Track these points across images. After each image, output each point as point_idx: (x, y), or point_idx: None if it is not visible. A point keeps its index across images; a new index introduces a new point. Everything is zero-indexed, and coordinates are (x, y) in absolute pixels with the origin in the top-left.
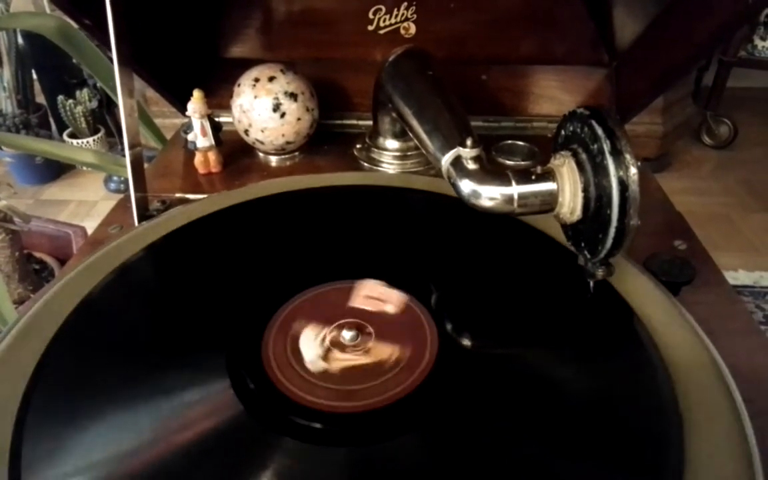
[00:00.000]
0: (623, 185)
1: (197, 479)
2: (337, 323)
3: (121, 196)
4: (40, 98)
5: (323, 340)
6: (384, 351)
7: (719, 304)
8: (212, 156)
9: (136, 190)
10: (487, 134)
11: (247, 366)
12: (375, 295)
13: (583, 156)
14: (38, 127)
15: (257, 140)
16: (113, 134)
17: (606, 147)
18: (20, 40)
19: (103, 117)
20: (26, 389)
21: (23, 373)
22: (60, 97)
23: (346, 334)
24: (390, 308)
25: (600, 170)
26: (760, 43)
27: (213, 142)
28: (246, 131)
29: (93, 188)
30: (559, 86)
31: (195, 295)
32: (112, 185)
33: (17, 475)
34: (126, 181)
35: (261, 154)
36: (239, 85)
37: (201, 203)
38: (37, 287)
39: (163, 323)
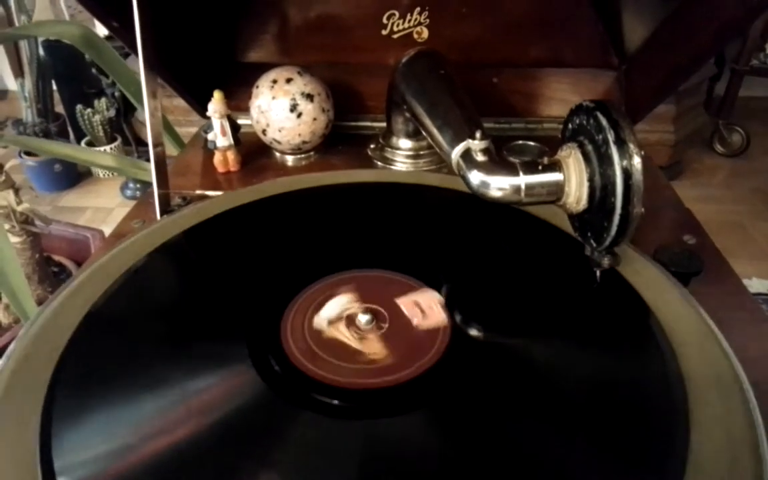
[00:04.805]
0: (627, 174)
1: (221, 450)
2: (366, 305)
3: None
4: (59, 108)
5: (346, 309)
6: (373, 348)
7: (728, 294)
8: (231, 155)
9: (159, 187)
10: (498, 135)
11: (267, 348)
12: (422, 305)
13: (589, 147)
14: (57, 135)
15: (274, 140)
16: (130, 143)
17: (610, 137)
18: (41, 52)
19: (120, 126)
20: (55, 369)
21: (54, 352)
22: (78, 106)
23: (362, 317)
24: (418, 321)
25: (605, 160)
26: None
27: (232, 142)
28: (264, 131)
29: (109, 195)
30: (569, 89)
31: (217, 282)
32: (128, 192)
33: (48, 453)
34: (142, 188)
35: (278, 154)
36: (257, 87)
37: (222, 198)
38: (55, 289)
39: (187, 308)
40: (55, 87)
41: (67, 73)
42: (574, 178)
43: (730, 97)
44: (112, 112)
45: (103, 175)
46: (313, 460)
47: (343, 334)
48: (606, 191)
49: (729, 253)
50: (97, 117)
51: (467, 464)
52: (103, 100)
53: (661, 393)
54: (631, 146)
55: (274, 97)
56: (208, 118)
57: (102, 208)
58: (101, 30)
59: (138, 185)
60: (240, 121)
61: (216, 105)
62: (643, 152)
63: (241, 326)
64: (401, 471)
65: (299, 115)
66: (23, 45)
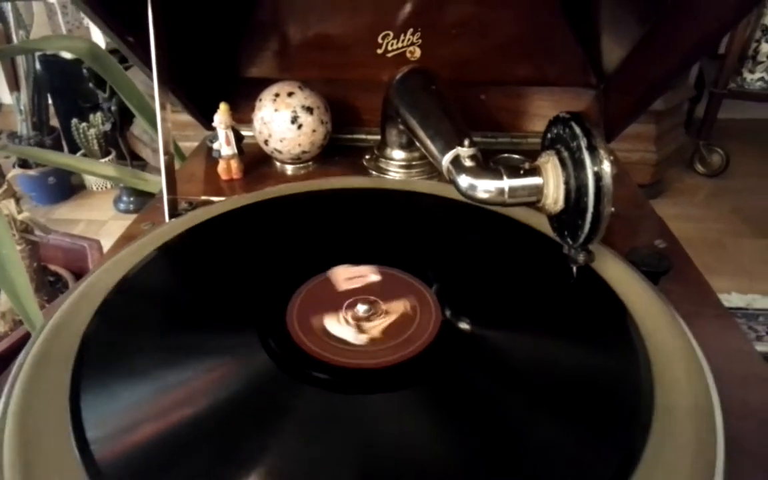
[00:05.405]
0: (598, 177)
1: (235, 420)
2: (345, 304)
3: (130, 216)
4: (54, 122)
5: (347, 320)
6: (398, 307)
7: (694, 293)
8: (234, 164)
9: (168, 193)
10: (485, 149)
11: (275, 331)
12: (352, 275)
13: (565, 153)
14: (51, 148)
15: (276, 150)
16: (124, 157)
17: (583, 144)
18: (38, 66)
19: (115, 140)
20: (77, 355)
21: (74, 340)
22: (74, 120)
23: (361, 307)
24: (374, 277)
25: (578, 165)
26: (748, 76)
27: (236, 151)
28: (266, 141)
29: (103, 208)
30: (552, 106)
31: (229, 275)
32: (122, 205)
33: (79, 418)
34: (135, 201)
35: (278, 164)
36: (260, 100)
37: (229, 201)
38: (52, 298)
39: (197, 298)
40: (50, 101)
41: (62, 88)
42: (551, 182)
43: (710, 119)
44: (107, 126)
45: (97, 188)
46: (314, 428)
47: (379, 323)
48: (580, 193)
49: (709, 269)
50: (93, 131)
51: (448, 434)
52: (99, 114)
53: (629, 376)
54: (602, 152)
55: (276, 110)
56: (213, 129)
57: (95, 220)
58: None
59: (131, 199)
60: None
61: (222, 116)
62: (612, 157)
63: (251, 313)
64: (389, 437)
65: (300, 127)
66: (20, 59)
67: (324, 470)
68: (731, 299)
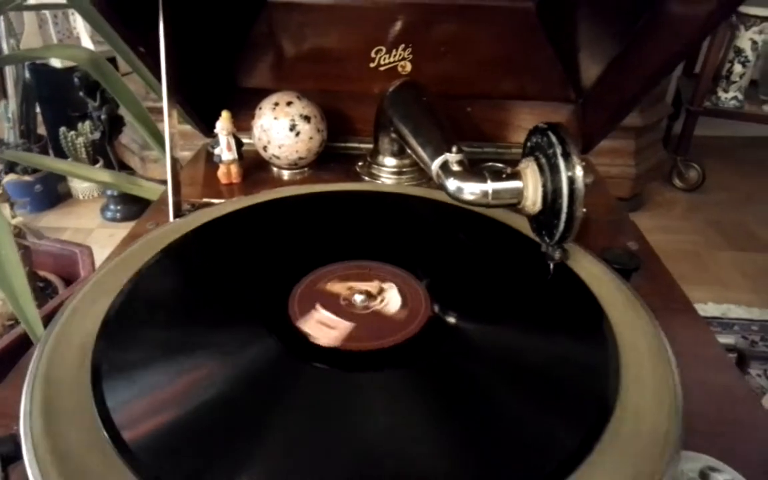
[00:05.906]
0: (571, 181)
1: (247, 397)
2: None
3: (117, 224)
4: (41, 130)
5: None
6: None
7: (661, 288)
8: (234, 168)
9: (173, 195)
10: (471, 158)
11: (279, 319)
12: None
13: (543, 160)
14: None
15: (274, 156)
16: (113, 166)
17: (558, 151)
18: (27, 74)
19: (103, 149)
20: (95, 349)
21: (91, 330)
22: (62, 129)
23: (358, 297)
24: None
25: (554, 170)
26: (723, 95)
27: (236, 156)
28: (265, 147)
29: (89, 217)
30: (533, 119)
31: (234, 269)
32: (109, 213)
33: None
34: (123, 210)
35: (275, 169)
36: (260, 108)
37: (229, 203)
38: (41, 303)
39: (204, 291)
40: (38, 109)
41: (51, 96)
42: (530, 185)
43: (686, 136)
44: (96, 135)
45: (83, 196)
46: (315, 400)
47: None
48: (555, 195)
49: (686, 280)
50: (81, 139)
51: (434, 408)
52: (87, 122)
53: (600, 360)
54: (575, 159)
55: (275, 118)
56: (212, 136)
57: (82, 229)
58: None
59: (119, 207)
60: None
61: (223, 123)
62: (584, 164)
63: (257, 304)
64: (384, 409)
65: (297, 134)
66: (9, 68)
67: (324, 433)
68: (707, 309)
